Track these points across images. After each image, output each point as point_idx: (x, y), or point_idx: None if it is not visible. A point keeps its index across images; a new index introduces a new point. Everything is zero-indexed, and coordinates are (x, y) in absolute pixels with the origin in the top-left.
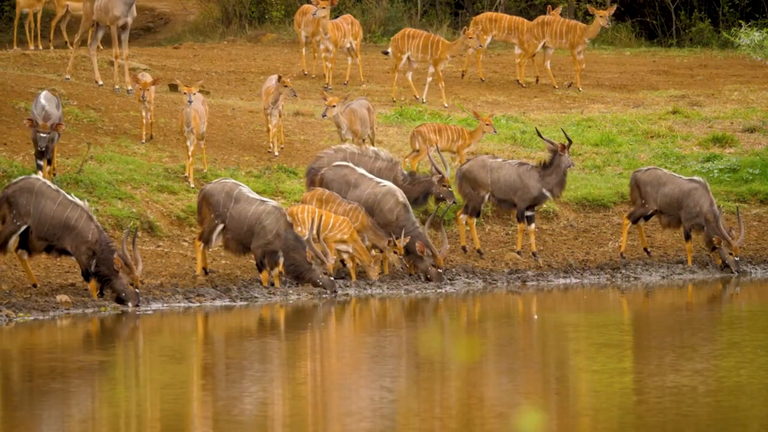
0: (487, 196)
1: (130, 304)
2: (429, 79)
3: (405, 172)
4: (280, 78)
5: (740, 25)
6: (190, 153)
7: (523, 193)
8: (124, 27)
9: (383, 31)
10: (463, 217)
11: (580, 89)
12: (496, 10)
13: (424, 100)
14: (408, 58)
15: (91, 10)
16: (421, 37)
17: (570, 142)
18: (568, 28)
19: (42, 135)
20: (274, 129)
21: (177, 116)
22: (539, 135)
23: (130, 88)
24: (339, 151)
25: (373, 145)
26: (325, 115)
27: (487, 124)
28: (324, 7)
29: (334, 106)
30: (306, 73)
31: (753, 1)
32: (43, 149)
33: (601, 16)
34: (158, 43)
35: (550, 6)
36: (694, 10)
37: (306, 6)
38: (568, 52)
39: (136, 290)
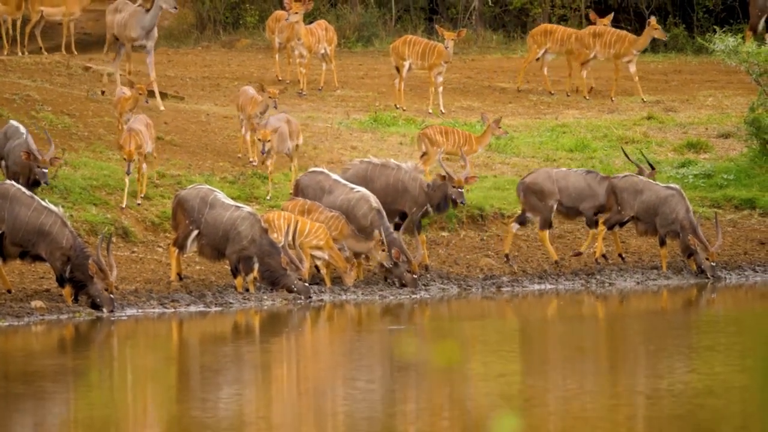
0: (555, 205)
1: (104, 310)
2: (440, 89)
3: (428, 181)
4: (262, 87)
5: (714, 31)
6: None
7: (592, 200)
8: (143, 48)
9: (357, 37)
10: (515, 226)
11: (644, 99)
12: (470, 16)
13: (443, 111)
14: (410, 65)
15: (112, 24)
16: (421, 44)
17: (653, 168)
18: (618, 38)
19: (44, 170)
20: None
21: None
22: (626, 155)
23: (162, 108)
24: (363, 162)
25: (292, 158)
26: (264, 152)
27: (498, 128)
28: (297, 12)
29: (269, 140)
30: (280, 79)
31: (727, 7)
32: (47, 183)
33: (655, 29)
34: (132, 49)
35: (594, 14)
36: (668, 15)
37: (279, 12)
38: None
39: (111, 296)
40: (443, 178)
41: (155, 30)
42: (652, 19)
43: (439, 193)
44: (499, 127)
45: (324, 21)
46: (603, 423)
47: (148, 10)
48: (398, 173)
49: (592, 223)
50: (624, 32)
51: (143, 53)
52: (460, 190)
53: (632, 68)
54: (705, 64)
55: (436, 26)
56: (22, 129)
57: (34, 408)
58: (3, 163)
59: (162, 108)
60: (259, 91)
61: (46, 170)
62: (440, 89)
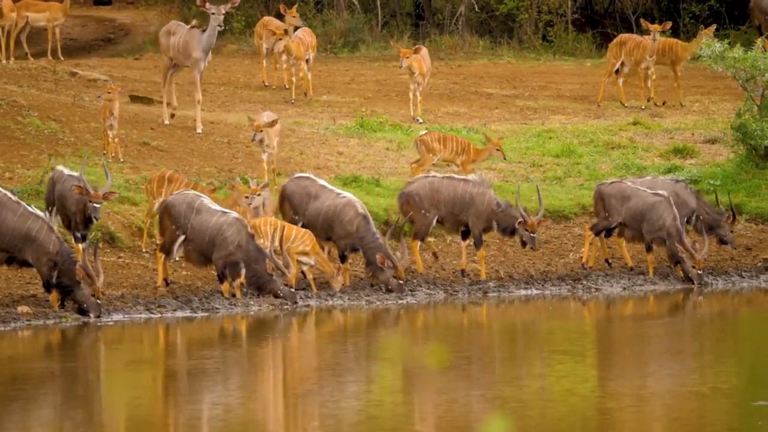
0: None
1: (91, 315)
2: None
3: (500, 200)
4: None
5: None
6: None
7: (680, 208)
8: (194, 69)
9: (344, 42)
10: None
11: (657, 104)
12: (457, 22)
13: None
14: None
15: (167, 47)
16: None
17: (734, 217)
18: (635, 45)
19: (96, 205)
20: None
21: (138, 127)
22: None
23: (200, 130)
24: (428, 177)
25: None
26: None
27: (496, 149)
28: (281, 39)
29: (261, 131)
30: (266, 84)
31: (714, 12)
32: (97, 219)
33: (653, 30)
34: (119, 54)
35: (645, 22)
36: (654, 21)
37: (267, 18)
38: (528, 63)
39: (98, 301)
40: (522, 221)
41: (210, 51)
42: (656, 25)
43: (507, 221)
44: (498, 150)
45: (308, 28)
46: (587, 425)
47: (204, 31)
48: (465, 185)
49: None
50: (640, 38)
51: (193, 73)
52: (532, 235)
53: (648, 72)
54: (691, 69)
55: (392, 43)
56: (70, 172)
57: (20, 410)
58: (54, 209)
59: (199, 130)
60: (251, 123)
61: (98, 205)
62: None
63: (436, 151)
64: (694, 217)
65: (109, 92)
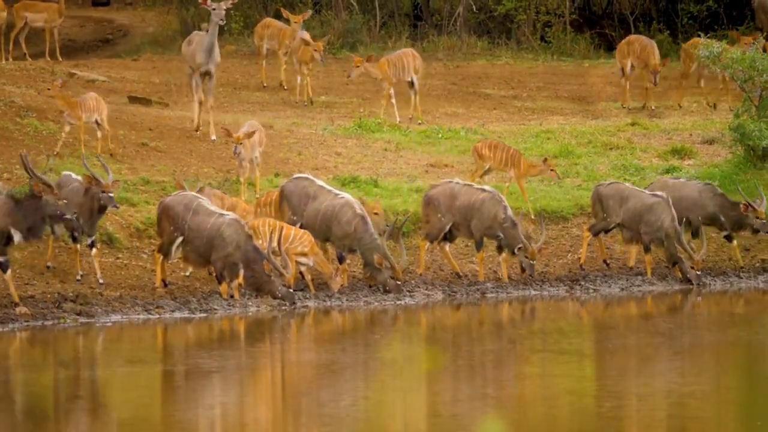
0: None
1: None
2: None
3: (509, 213)
4: (229, 133)
5: (699, 37)
6: None
7: (700, 209)
8: (206, 74)
9: (342, 43)
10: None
11: (653, 107)
12: (455, 23)
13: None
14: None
15: (186, 55)
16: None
17: (753, 208)
18: (641, 47)
19: (110, 195)
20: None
21: (136, 128)
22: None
23: (214, 137)
24: (451, 182)
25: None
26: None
27: (551, 170)
28: (322, 58)
29: (241, 143)
30: (265, 85)
31: (712, 13)
32: (116, 206)
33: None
34: (117, 55)
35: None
36: (653, 21)
37: (268, 19)
38: (526, 64)
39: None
40: (522, 247)
41: (217, 53)
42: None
43: (509, 239)
44: (552, 170)
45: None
46: (584, 424)
47: (207, 32)
48: (480, 194)
49: (697, 232)
50: (648, 40)
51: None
52: (531, 262)
53: (650, 76)
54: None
55: (349, 52)
56: (77, 177)
57: (18, 412)
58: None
59: (213, 137)
60: (225, 135)
61: (111, 194)
62: (392, 100)
63: (486, 159)
64: (722, 218)
65: (48, 89)
